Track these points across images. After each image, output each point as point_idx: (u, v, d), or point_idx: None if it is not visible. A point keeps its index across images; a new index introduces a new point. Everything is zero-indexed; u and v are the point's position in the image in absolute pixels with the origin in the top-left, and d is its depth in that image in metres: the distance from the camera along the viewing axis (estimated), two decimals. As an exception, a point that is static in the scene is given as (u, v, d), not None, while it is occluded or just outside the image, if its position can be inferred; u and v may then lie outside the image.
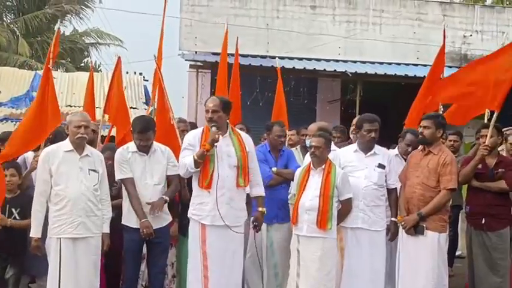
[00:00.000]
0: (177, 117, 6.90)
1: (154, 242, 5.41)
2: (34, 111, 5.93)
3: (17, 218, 5.28)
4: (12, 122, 12.08)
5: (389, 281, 5.63)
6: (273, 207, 5.76)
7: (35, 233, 4.98)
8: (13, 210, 5.30)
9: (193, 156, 4.94)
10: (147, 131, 5.38)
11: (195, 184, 5.11)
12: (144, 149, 5.42)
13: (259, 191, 5.31)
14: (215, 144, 4.94)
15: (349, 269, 5.38)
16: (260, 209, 5.28)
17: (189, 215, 5.16)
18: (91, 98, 7.69)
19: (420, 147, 5.53)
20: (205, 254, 4.97)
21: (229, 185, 5.04)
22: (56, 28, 6.21)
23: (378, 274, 5.40)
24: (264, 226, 5.81)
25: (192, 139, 5.14)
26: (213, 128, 4.97)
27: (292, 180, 5.70)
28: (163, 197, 5.36)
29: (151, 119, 5.80)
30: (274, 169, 5.96)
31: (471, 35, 14.79)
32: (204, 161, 4.96)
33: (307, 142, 6.05)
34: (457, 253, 8.28)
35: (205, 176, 4.99)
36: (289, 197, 5.93)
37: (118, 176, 5.40)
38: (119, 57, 7.39)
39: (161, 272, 5.59)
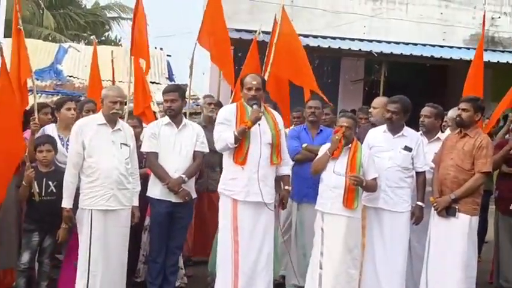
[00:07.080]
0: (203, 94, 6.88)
1: (176, 217, 5.48)
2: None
3: (54, 191, 5.33)
4: (37, 94, 12.11)
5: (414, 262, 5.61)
6: (302, 186, 5.73)
7: (67, 203, 5.06)
8: (50, 183, 5.35)
9: (234, 133, 4.93)
10: (171, 91, 5.56)
11: (227, 159, 5.10)
12: (172, 113, 5.50)
13: (286, 169, 5.31)
14: (258, 122, 4.96)
15: (371, 248, 5.39)
16: (286, 187, 5.26)
17: (219, 189, 5.16)
18: (95, 73, 8.07)
19: (457, 129, 5.47)
20: (237, 229, 4.98)
21: (264, 163, 5.03)
22: None
23: (398, 255, 5.36)
24: (294, 205, 5.83)
25: (229, 114, 5.09)
26: (255, 106, 4.98)
27: None
28: (182, 176, 5.40)
29: (180, 86, 5.86)
30: (304, 145, 5.87)
31: (499, 17, 14.55)
32: None
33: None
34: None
35: (241, 152, 4.97)
36: None
37: (143, 148, 5.51)
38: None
39: (178, 247, 5.64)
